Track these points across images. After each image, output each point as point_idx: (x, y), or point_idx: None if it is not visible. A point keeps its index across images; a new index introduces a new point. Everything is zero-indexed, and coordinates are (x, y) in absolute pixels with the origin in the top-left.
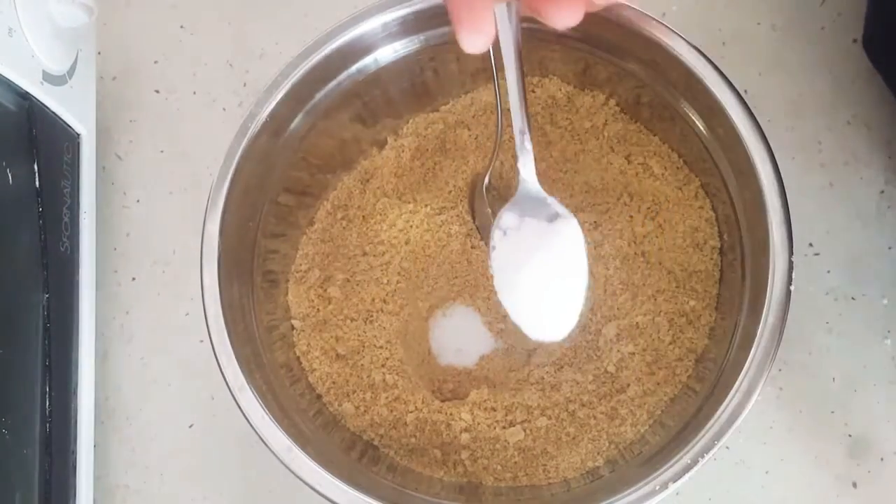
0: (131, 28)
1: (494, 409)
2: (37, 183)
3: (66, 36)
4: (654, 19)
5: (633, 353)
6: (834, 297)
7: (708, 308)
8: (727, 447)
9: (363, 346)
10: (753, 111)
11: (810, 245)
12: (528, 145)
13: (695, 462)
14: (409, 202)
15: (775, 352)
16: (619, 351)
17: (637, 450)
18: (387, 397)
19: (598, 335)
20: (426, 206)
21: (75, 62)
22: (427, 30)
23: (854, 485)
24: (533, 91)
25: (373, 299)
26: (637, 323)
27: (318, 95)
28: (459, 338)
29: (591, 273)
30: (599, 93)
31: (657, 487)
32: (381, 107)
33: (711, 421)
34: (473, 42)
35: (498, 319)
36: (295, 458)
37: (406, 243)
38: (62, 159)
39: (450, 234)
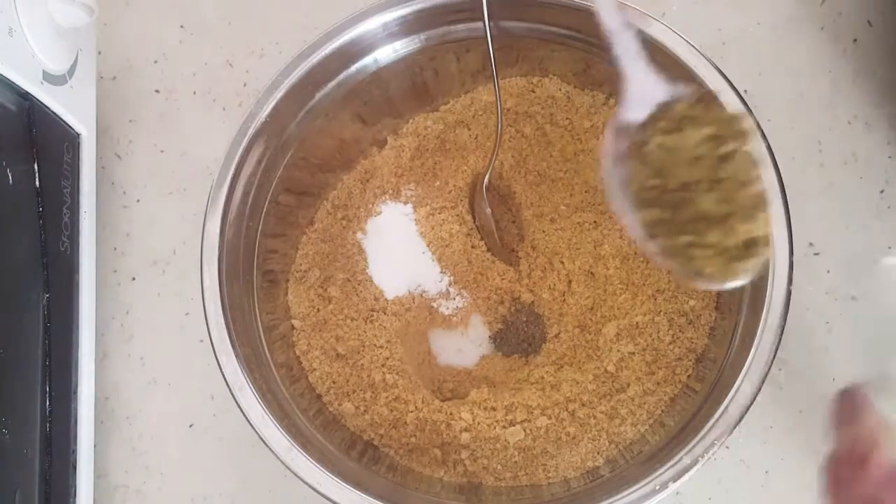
0: (131, 28)
1: (494, 409)
2: (37, 183)
3: (66, 36)
4: (654, 19)
5: (633, 353)
6: (834, 297)
7: (708, 308)
8: (727, 447)
9: (363, 346)
10: (753, 111)
11: (810, 245)
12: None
13: (695, 462)
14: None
15: (775, 352)
16: (619, 351)
17: (637, 449)
18: (387, 397)
19: (598, 335)
20: (426, 205)
21: (75, 62)
22: (427, 30)
23: None
24: (533, 91)
25: (374, 298)
26: (637, 323)
27: (318, 95)
28: (459, 338)
29: (591, 273)
30: (599, 92)
31: (657, 487)
32: (381, 106)
33: (711, 421)
34: None
35: (498, 319)
36: (295, 458)
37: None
38: (62, 159)
39: (450, 233)
